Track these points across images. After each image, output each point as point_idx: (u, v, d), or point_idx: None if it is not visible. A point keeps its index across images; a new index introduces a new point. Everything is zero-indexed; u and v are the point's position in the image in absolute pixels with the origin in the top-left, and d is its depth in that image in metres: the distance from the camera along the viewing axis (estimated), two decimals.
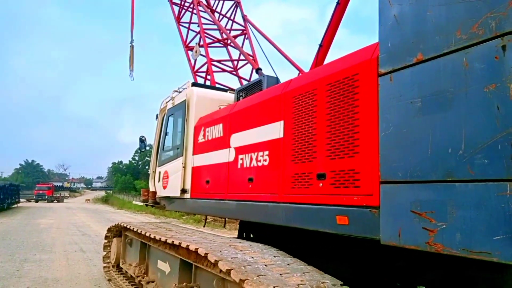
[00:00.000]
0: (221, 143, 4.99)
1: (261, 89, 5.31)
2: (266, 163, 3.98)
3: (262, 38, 9.38)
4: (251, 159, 4.24)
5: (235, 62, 10.64)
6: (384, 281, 3.77)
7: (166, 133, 7.14)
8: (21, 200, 42.29)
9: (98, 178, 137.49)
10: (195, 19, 11.12)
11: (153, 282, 5.33)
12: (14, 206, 35.20)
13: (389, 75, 2.58)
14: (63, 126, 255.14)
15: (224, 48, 11.15)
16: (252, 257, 3.17)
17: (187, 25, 11.29)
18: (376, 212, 2.65)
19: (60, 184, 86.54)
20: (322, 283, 2.61)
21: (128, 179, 68.68)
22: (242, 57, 10.55)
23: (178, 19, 11.41)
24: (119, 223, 7.06)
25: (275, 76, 5.75)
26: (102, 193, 74.29)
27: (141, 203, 7.57)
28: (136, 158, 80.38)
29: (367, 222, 2.72)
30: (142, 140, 8.58)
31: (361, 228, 2.78)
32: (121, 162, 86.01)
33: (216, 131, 5.21)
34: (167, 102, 7.43)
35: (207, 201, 5.21)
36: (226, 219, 6.53)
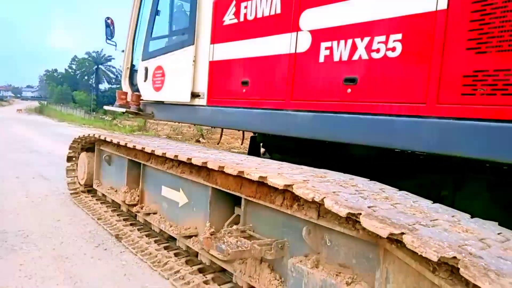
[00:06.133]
0: (278, 24, 3.27)
1: None
2: (393, 54, 2.42)
3: None
4: (354, 48, 2.64)
5: None
6: None
7: (156, 12, 5.08)
8: None
9: (28, 87, 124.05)
10: None
11: (155, 213, 3.86)
12: None
13: None
14: None
15: None
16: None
17: None
18: None
19: None
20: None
21: (66, 90, 62.61)
22: None
23: None
24: (93, 135, 5.24)
25: None
26: (34, 103, 66.99)
27: (118, 109, 5.65)
28: (73, 67, 72.29)
29: None
30: (108, 24, 6.23)
31: None
32: (55, 70, 77.40)
33: (264, 7, 3.41)
34: None
35: (245, 110, 3.61)
36: (244, 134, 5.03)
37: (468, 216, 1.82)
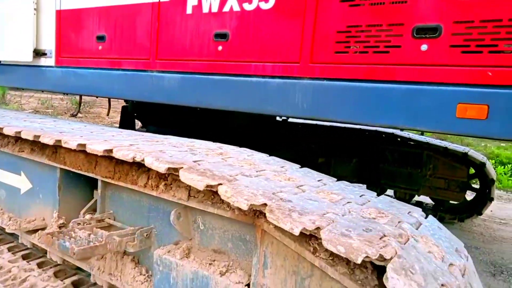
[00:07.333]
0: None
1: None
2: (266, 6, 2.14)
3: None
4: None
5: None
6: None
7: None
8: None
9: None
10: None
11: None
12: None
13: None
14: None
15: None
16: None
17: None
18: None
19: None
20: None
21: None
22: None
23: None
24: None
25: None
26: None
27: None
28: None
29: None
30: None
31: None
32: None
33: None
34: None
35: (102, 72, 2.99)
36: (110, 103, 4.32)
37: (297, 166, 1.84)
